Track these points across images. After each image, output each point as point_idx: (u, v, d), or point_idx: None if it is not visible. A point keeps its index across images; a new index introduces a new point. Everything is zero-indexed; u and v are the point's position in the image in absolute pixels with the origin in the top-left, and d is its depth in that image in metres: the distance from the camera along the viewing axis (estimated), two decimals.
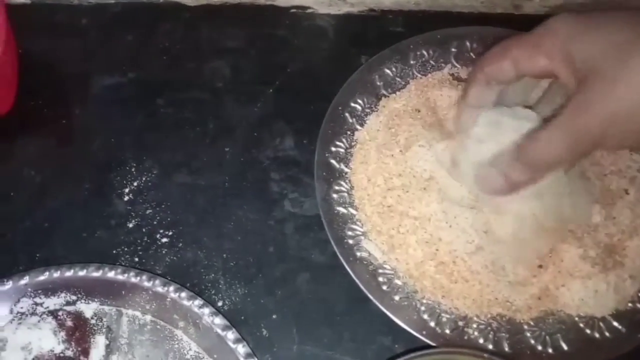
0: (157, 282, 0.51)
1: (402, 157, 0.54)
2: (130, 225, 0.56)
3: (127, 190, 0.57)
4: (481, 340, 0.49)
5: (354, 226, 0.53)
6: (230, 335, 0.49)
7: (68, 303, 0.51)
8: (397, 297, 0.50)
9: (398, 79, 0.60)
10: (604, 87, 0.41)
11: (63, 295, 0.51)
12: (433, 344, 0.48)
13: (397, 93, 0.60)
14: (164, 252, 0.54)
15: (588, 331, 0.49)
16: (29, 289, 0.51)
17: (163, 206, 0.56)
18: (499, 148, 0.48)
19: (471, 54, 0.61)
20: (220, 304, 0.52)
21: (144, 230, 0.55)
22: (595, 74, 0.42)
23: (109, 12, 0.66)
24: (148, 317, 0.51)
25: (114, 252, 0.54)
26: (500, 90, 0.50)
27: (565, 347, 0.48)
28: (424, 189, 0.52)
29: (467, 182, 0.51)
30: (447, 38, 0.62)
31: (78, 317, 0.50)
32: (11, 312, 0.50)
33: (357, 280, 0.50)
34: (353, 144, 0.57)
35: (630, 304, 0.50)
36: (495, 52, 0.49)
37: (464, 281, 0.50)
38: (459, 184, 0.51)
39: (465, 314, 0.50)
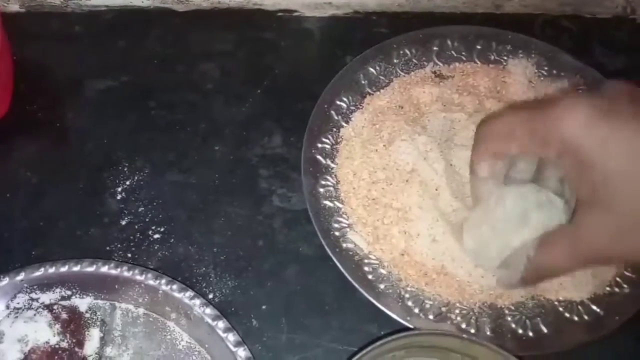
0: (149, 275, 0.52)
1: (386, 151, 0.56)
2: (123, 223, 0.57)
3: (119, 189, 0.59)
4: (464, 325, 0.50)
5: (339, 219, 0.55)
6: (221, 324, 0.50)
7: (63, 298, 0.52)
8: (382, 286, 0.52)
9: (382, 78, 0.62)
10: (619, 219, 0.39)
11: (58, 290, 0.52)
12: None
13: (381, 91, 0.61)
14: (156, 247, 0.56)
15: (567, 314, 0.50)
16: (25, 285, 0.52)
17: (155, 204, 0.58)
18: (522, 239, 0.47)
19: (452, 52, 0.63)
20: (211, 296, 0.54)
21: (136, 227, 0.57)
22: (610, 197, 0.39)
23: (101, 19, 0.68)
24: (141, 310, 0.53)
25: (108, 248, 0.56)
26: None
27: (545, 330, 0.50)
28: (406, 181, 0.54)
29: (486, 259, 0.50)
30: (429, 37, 0.64)
31: (73, 310, 0.51)
32: (7, 307, 0.51)
33: (343, 271, 0.52)
34: (339, 140, 0.59)
35: (607, 288, 0.51)
36: (499, 133, 0.46)
37: (446, 269, 0.51)
38: (438, 175, 0.53)
39: (448, 300, 0.51)
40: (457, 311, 0.51)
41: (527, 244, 0.45)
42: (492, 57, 0.63)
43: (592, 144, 0.39)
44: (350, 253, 0.53)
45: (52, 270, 0.52)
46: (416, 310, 0.51)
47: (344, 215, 0.55)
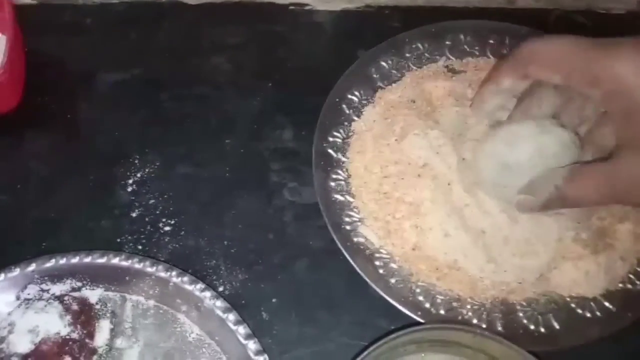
0: (160, 267, 0.52)
1: (398, 145, 0.56)
2: (134, 215, 0.57)
3: (130, 181, 0.59)
4: (475, 321, 0.50)
5: (351, 213, 0.55)
6: (231, 317, 0.50)
7: (73, 289, 0.52)
8: (393, 280, 0.52)
9: (394, 72, 0.62)
10: None
11: (69, 281, 0.52)
12: None
13: (393, 85, 0.61)
14: (166, 240, 0.56)
15: (579, 311, 0.50)
16: (36, 276, 0.52)
17: (166, 196, 0.58)
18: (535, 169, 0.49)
19: (465, 46, 0.63)
20: (221, 289, 0.54)
21: (147, 219, 0.57)
22: None
23: (113, 11, 0.68)
24: (151, 302, 0.53)
25: (118, 240, 0.56)
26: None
27: (557, 326, 0.50)
28: (419, 176, 0.54)
29: (482, 178, 0.52)
30: (442, 31, 0.63)
31: (83, 302, 0.51)
32: (18, 298, 0.51)
33: (354, 265, 0.52)
34: (350, 134, 0.58)
35: (620, 285, 0.51)
36: (547, 57, 0.47)
37: (458, 265, 0.51)
38: (451, 170, 0.53)
39: (459, 295, 0.51)
40: (468, 306, 0.51)
41: (556, 173, 0.46)
42: (505, 52, 0.62)
43: None
44: (361, 247, 0.53)
45: (62, 261, 0.52)
46: (427, 305, 0.50)
47: (355, 210, 0.55)
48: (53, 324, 0.48)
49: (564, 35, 0.47)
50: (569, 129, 0.48)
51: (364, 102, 0.60)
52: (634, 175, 0.42)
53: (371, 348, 0.43)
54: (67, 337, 0.48)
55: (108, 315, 0.52)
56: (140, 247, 0.56)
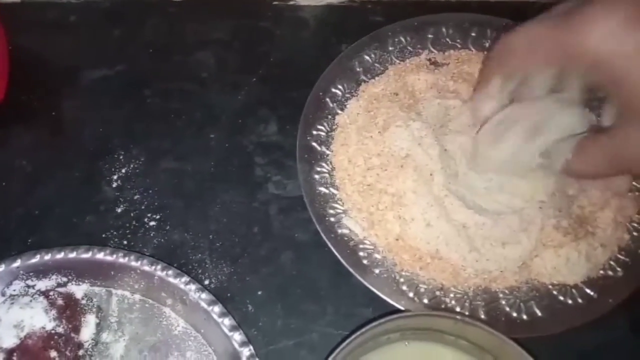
0: (144, 261, 0.52)
1: (381, 137, 0.56)
2: (119, 210, 0.57)
3: (115, 177, 0.59)
4: (458, 309, 0.50)
5: (335, 205, 0.55)
6: (217, 309, 0.50)
7: (59, 285, 0.52)
8: (377, 271, 0.52)
9: (377, 65, 0.62)
10: None
11: (54, 277, 0.52)
12: None
13: (376, 78, 0.61)
14: (151, 234, 0.56)
15: (561, 298, 0.51)
16: (21, 272, 0.52)
17: (150, 191, 0.58)
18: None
19: (447, 39, 0.63)
20: (207, 282, 0.54)
21: (132, 214, 0.57)
22: None
23: (97, 8, 0.68)
24: (137, 296, 0.53)
25: (104, 236, 0.56)
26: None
27: (539, 313, 0.50)
28: (401, 167, 0.54)
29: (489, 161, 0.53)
30: (424, 25, 0.64)
31: (69, 297, 0.51)
32: (3, 294, 0.51)
33: (338, 256, 0.52)
34: (334, 127, 0.59)
35: (601, 271, 0.52)
36: (518, 49, 0.46)
37: (440, 254, 0.52)
38: (433, 161, 0.53)
39: (442, 284, 0.51)
40: (451, 295, 0.51)
41: (567, 143, 0.47)
42: (487, 45, 0.63)
43: (626, 52, 0.37)
44: (346, 239, 0.53)
45: (48, 257, 0.52)
46: (411, 295, 0.51)
47: (339, 202, 0.55)
48: (38, 318, 0.48)
49: (530, 21, 0.46)
50: (572, 99, 0.47)
51: (348, 95, 0.60)
52: (632, 145, 0.41)
53: (354, 336, 0.44)
54: (53, 331, 0.48)
55: (94, 309, 0.52)
56: (125, 242, 0.56)
